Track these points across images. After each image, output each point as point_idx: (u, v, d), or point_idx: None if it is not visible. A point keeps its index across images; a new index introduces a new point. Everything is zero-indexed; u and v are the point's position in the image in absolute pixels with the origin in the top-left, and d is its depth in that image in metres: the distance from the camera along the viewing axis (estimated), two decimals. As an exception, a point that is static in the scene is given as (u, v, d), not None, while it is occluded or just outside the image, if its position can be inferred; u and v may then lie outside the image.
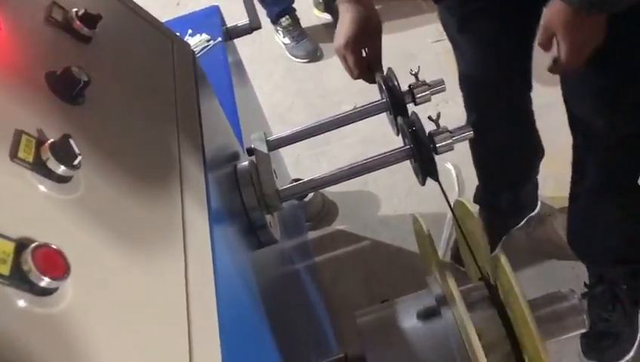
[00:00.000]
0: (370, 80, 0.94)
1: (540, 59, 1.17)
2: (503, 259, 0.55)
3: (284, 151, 1.90)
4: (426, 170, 0.70)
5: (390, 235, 1.77)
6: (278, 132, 0.88)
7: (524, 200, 1.65)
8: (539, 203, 1.70)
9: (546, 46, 0.92)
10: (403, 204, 1.84)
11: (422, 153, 0.69)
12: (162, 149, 0.56)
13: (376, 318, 0.64)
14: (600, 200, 1.31)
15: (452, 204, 0.74)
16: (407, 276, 1.63)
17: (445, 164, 1.86)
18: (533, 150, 1.51)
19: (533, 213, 1.69)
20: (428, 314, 0.58)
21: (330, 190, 1.93)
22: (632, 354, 1.39)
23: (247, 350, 0.52)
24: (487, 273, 0.63)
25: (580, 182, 1.34)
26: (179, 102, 0.64)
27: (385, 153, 0.78)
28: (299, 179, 0.81)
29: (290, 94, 2.37)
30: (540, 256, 1.64)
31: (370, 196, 1.90)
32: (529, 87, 1.34)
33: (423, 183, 0.73)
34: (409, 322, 0.61)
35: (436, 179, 0.70)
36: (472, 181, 1.67)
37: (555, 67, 0.92)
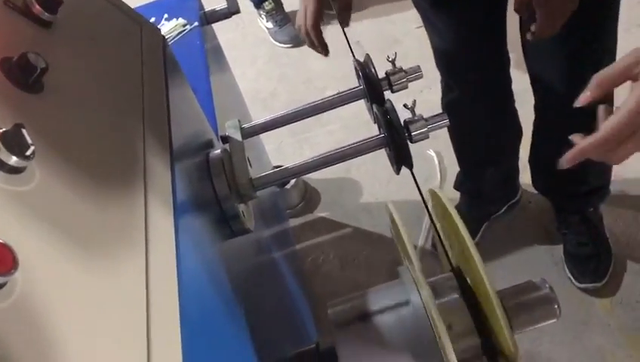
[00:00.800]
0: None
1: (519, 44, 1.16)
2: (473, 250, 0.55)
3: (267, 138, 1.89)
4: (400, 158, 0.69)
5: (372, 222, 1.76)
6: (260, 118, 0.86)
7: (505, 185, 1.65)
8: (520, 190, 1.70)
9: (522, 11, 0.92)
10: (385, 190, 1.84)
11: (395, 142, 0.69)
12: (125, 139, 0.54)
13: (347, 309, 0.63)
14: (560, 147, 1.37)
15: (432, 191, 0.73)
16: (388, 263, 1.64)
17: (428, 151, 1.86)
18: (512, 127, 1.50)
19: (514, 200, 1.69)
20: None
21: (313, 177, 1.92)
22: (611, 266, 1.54)
23: (212, 342, 0.51)
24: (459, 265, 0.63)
25: (540, 132, 1.43)
26: (146, 90, 0.62)
27: (360, 141, 0.77)
28: (280, 166, 0.80)
29: (273, 80, 2.35)
30: (520, 244, 1.65)
31: (353, 183, 1.89)
32: (507, 60, 1.33)
33: (397, 172, 0.73)
34: (380, 313, 0.60)
35: (410, 168, 0.69)
36: (454, 168, 1.67)
37: (531, 34, 0.93)
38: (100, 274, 0.41)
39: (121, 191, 0.49)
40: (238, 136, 0.80)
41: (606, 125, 0.59)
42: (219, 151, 0.77)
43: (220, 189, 0.74)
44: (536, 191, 1.63)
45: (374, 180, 1.87)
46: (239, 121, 0.82)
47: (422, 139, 0.77)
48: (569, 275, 1.55)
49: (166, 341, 0.43)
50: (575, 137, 0.65)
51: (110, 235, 0.45)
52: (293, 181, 1.79)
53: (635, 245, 1.59)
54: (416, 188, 0.74)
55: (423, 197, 0.63)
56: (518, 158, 1.58)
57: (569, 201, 1.55)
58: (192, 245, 0.55)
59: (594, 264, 1.54)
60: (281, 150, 2.03)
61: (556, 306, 0.62)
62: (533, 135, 1.47)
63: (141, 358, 0.41)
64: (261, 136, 1.83)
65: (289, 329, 1.04)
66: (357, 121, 1.96)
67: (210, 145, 0.82)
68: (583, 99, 0.64)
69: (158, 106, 0.63)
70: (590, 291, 1.53)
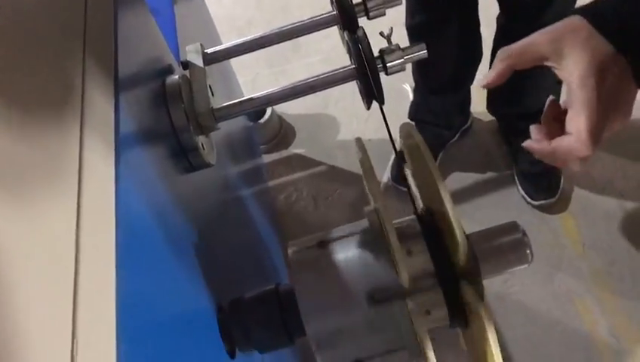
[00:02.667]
0: None
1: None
2: (443, 192, 0.51)
3: (241, 70, 1.81)
4: (370, 92, 0.64)
5: (348, 160, 1.72)
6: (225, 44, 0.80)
7: (461, 111, 1.66)
8: (471, 116, 1.72)
9: None
10: (363, 128, 1.79)
11: (364, 73, 0.63)
12: (60, 61, 0.48)
13: (308, 250, 0.59)
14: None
15: (405, 126, 0.69)
16: (363, 202, 1.61)
17: (403, 85, 1.80)
18: (476, 52, 1.49)
19: (466, 126, 1.71)
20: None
21: (288, 112, 1.86)
22: (562, 181, 1.59)
23: (154, 283, 0.47)
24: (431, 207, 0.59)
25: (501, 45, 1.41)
26: (90, 8, 0.56)
27: (330, 72, 0.71)
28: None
29: (250, 7, 2.23)
30: (477, 168, 1.67)
31: (330, 119, 1.83)
32: None
33: (367, 107, 0.68)
34: (342, 255, 0.56)
35: (381, 102, 0.64)
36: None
37: None
38: (21, 213, 0.36)
39: (51, 118, 0.44)
40: (199, 62, 0.74)
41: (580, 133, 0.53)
42: (177, 77, 0.71)
43: (176, 119, 0.68)
44: (485, 120, 1.68)
45: (352, 117, 1.82)
46: (202, 45, 0.76)
47: (397, 71, 0.72)
48: (523, 194, 1.59)
49: (97, 285, 0.38)
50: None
51: (35, 168, 0.40)
52: (267, 115, 1.73)
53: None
54: (396, 127, 0.70)
55: (390, 134, 0.58)
56: (472, 83, 1.59)
57: (522, 121, 1.57)
58: (136, 178, 0.49)
59: (546, 180, 1.58)
60: (256, 83, 1.95)
61: (528, 251, 0.59)
62: (492, 54, 1.46)
63: (66, 306, 0.37)
64: (235, 67, 1.75)
65: (256, 268, 1.01)
66: (337, 54, 1.88)
67: (168, 71, 0.76)
68: (489, 81, 0.58)
69: (103, 27, 0.56)
70: (545, 208, 1.57)
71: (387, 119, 0.72)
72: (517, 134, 1.62)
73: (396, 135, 0.76)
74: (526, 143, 0.61)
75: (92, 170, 0.43)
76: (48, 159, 0.42)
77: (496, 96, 1.58)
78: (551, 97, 0.60)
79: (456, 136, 1.70)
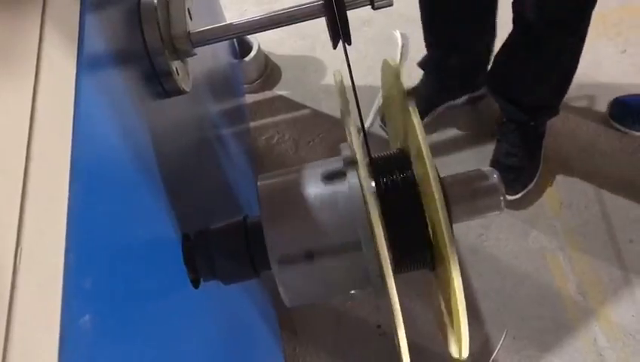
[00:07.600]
0: None
1: None
2: (419, 129, 0.49)
3: (229, 5, 1.76)
4: (335, 29, 0.61)
5: (332, 105, 1.69)
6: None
7: (470, 74, 1.60)
8: (484, 87, 1.65)
9: None
10: (350, 73, 1.75)
11: (329, 6, 0.60)
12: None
13: (278, 183, 0.58)
14: (528, 46, 1.34)
15: (387, 62, 0.67)
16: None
17: (394, 31, 1.76)
18: (490, 2, 1.42)
19: (476, 94, 1.65)
20: (332, 177, 0.52)
21: (275, 52, 1.82)
22: (531, 186, 1.51)
23: (114, 206, 0.45)
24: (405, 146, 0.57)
25: (514, 31, 1.36)
26: None
27: (301, 5, 0.68)
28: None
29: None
30: (481, 133, 1.64)
31: (317, 62, 1.79)
32: None
33: (334, 46, 0.65)
34: (312, 189, 0.55)
35: (346, 41, 0.61)
36: (418, 52, 1.59)
37: None
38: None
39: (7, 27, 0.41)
40: (178, -17, 0.70)
41: None
42: (153, -4, 0.68)
43: (150, 40, 0.65)
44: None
45: (339, 61, 1.76)
46: (181, -36, 0.72)
47: (385, 6, 0.69)
48: None
49: (48, 194, 0.36)
50: None
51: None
52: (253, 53, 1.68)
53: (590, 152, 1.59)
54: (381, 73, 0.67)
55: (352, 79, 0.56)
56: (488, 52, 1.52)
57: (512, 107, 1.50)
58: (99, 87, 0.47)
59: (513, 175, 1.49)
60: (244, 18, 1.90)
61: (502, 198, 0.58)
62: (508, 37, 1.41)
63: (13, 212, 0.36)
64: (223, 3, 1.69)
65: (229, 204, 0.99)
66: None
67: (145, -11, 0.72)
68: None
69: None
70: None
71: (377, 66, 0.69)
72: (505, 116, 1.55)
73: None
74: None
75: (51, 65, 0.41)
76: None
77: (495, 71, 1.51)
78: None
79: (462, 99, 1.63)
